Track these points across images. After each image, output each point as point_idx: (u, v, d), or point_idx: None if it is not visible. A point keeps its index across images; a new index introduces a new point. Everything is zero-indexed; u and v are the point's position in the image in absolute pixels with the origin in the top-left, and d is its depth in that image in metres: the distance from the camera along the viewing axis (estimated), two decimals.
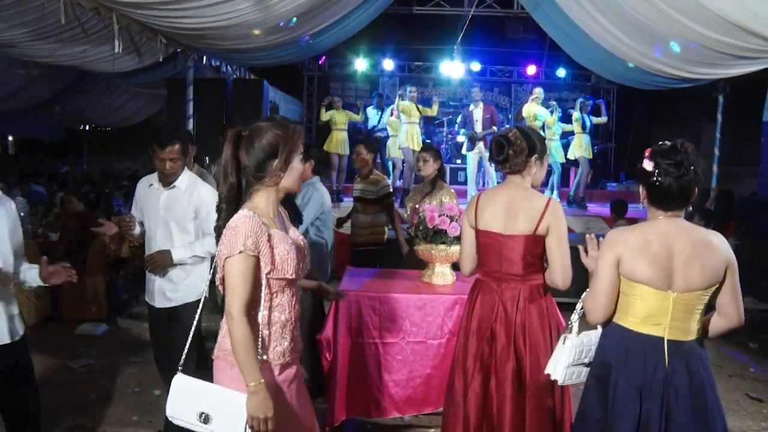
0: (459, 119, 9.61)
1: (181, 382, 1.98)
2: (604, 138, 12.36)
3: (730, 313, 2.03)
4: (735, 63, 5.75)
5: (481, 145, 8.59)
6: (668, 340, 1.98)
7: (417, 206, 4.19)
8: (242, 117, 7.86)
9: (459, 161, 11.11)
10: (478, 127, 8.61)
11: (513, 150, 2.51)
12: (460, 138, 11.21)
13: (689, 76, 6.81)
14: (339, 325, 3.09)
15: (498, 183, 8.70)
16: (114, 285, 5.80)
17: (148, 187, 3.17)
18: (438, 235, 3.34)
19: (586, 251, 2.26)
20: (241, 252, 1.83)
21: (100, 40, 5.88)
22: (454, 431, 2.59)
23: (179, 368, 2.03)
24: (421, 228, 3.42)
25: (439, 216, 3.34)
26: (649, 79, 7.63)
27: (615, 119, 12.85)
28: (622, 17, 5.97)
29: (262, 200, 1.96)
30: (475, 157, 8.75)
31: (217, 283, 1.95)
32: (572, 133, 9.14)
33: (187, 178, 3.09)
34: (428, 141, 10.35)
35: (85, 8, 4.87)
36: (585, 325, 2.18)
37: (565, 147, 9.25)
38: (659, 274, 1.97)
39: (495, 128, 8.63)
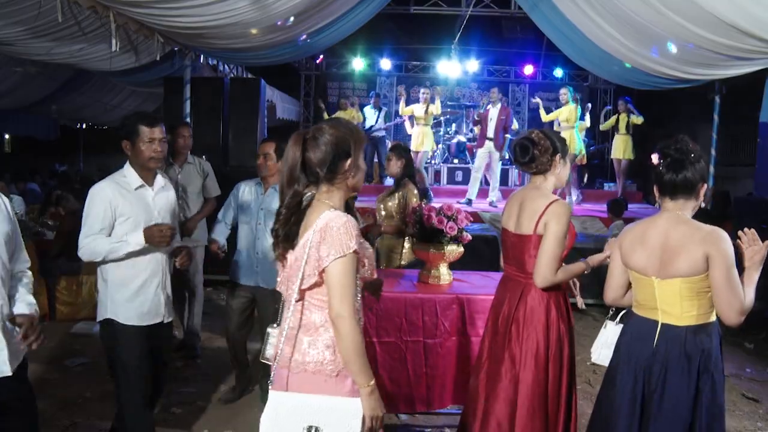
0: (476, 116, 9.57)
1: (280, 398, 1.85)
2: (600, 138, 12.39)
3: (718, 309, 2.11)
4: (731, 64, 5.77)
5: (491, 144, 8.57)
6: (662, 323, 2.17)
7: (381, 205, 4.24)
8: (239, 116, 7.87)
9: (456, 161, 11.13)
10: (491, 126, 8.57)
11: (538, 150, 2.59)
12: (461, 138, 11.26)
13: (686, 77, 6.84)
14: None
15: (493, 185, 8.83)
16: None
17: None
18: (435, 235, 3.34)
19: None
20: (353, 251, 1.78)
21: (97, 39, 5.87)
22: (471, 427, 2.69)
23: (269, 383, 1.89)
24: (418, 227, 3.42)
25: (437, 215, 3.35)
26: (646, 80, 7.65)
27: None
28: (618, 18, 5.99)
29: (338, 201, 1.90)
30: (483, 154, 8.73)
31: (300, 289, 1.85)
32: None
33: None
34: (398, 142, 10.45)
35: (82, 6, 4.85)
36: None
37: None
38: (648, 262, 2.17)
39: (506, 134, 8.61)
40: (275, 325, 1.98)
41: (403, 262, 4.24)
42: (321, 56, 12.99)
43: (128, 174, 2.79)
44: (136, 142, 2.73)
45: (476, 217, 7.24)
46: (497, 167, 8.80)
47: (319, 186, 1.89)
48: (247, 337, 3.94)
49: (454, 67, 11.85)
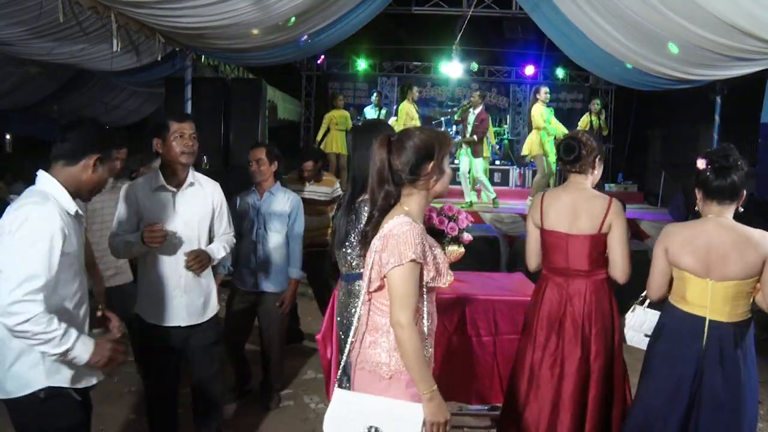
0: (456, 116, 9.53)
1: (343, 397, 1.91)
2: (600, 139, 12.38)
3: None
4: (732, 64, 5.76)
5: (469, 149, 8.48)
6: (709, 320, 2.33)
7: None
8: (241, 116, 7.88)
9: (457, 161, 11.11)
10: (468, 130, 8.47)
11: (585, 150, 2.68)
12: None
13: (687, 77, 6.83)
14: (336, 324, 3.09)
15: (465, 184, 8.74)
16: None
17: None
18: (435, 236, 3.34)
19: None
20: (412, 260, 1.79)
21: (98, 39, 5.87)
22: (518, 425, 2.75)
23: (337, 382, 1.99)
24: None
25: (437, 216, 3.34)
26: (647, 80, 7.64)
27: (612, 120, 12.87)
28: (620, 18, 5.98)
29: (415, 205, 1.92)
30: (463, 158, 8.66)
31: (368, 291, 1.91)
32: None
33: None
34: None
35: (83, 6, 4.86)
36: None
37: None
38: (699, 264, 2.33)
39: (474, 137, 8.53)
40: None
41: None
42: (322, 57, 12.99)
43: (157, 174, 2.78)
44: (166, 137, 2.70)
45: (477, 218, 7.24)
46: (480, 173, 8.56)
47: (401, 189, 1.91)
48: (245, 340, 3.96)
49: (455, 67, 11.84)
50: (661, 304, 2.58)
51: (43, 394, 1.99)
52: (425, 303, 1.90)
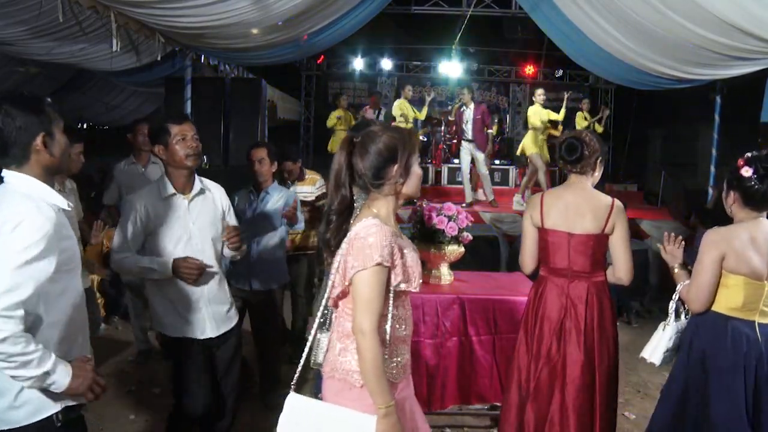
0: (451, 117, 9.53)
1: (296, 402, 1.81)
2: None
3: None
4: (732, 64, 5.76)
5: (471, 146, 8.47)
6: (759, 323, 2.30)
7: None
8: (240, 116, 7.88)
9: (457, 161, 11.11)
10: (469, 128, 8.44)
11: (588, 150, 2.64)
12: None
13: (687, 77, 6.83)
14: None
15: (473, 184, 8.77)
16: (110, 284, 5.78)
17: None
18: (435, 235, 3.34)
19: (665, 248, 2.61)
20: (378, 264, 1.71)
21: (98, 39, 5.86)
22: (513, 426, 2.72)
23: (293, 387, 1.87)
24: (418, 227, 3.42)
25: (437, 215, 3.35)
26: (647, 80, 7.64)
27: (613, 120, 12.87)
28: (619, 18, 5.98)
29: (383, 209, 1.84)
30: (465, 156, 8.64)
31: (331, 297, 1.84)
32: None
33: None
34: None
35: (83, 6, 4.85)
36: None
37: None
38: (761, 266, 2.27)
39: (488, 130, 8.57)
40: (326, 330, 1.97)
41: None
42: (322, 56, 12.99)
43: (163, 182, 2.62)
44: (168, 142, 2.56)
45: (477, 218, 7.24)
46: (484, 168, 8.58)
47: (368, 192, 1.85)
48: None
49: (454, 67, 11.84)
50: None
51: (59, 417, 1.77)
52: (391, 308, 1.81)
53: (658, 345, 2.55)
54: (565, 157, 2.69)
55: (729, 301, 2.33)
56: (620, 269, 2.64)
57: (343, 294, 1.81)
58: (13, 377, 1.65)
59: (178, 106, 7.49)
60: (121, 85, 10.58)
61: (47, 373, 1.66)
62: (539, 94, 8.40)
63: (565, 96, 9.22)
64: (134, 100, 11.77)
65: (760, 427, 2.27)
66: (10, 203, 1.68)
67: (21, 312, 1.61)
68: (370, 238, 1.73)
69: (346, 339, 1.83)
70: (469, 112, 8.46)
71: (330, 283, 1.84)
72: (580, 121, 9.63)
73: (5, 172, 1.74)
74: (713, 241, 2.33)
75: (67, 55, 6.51)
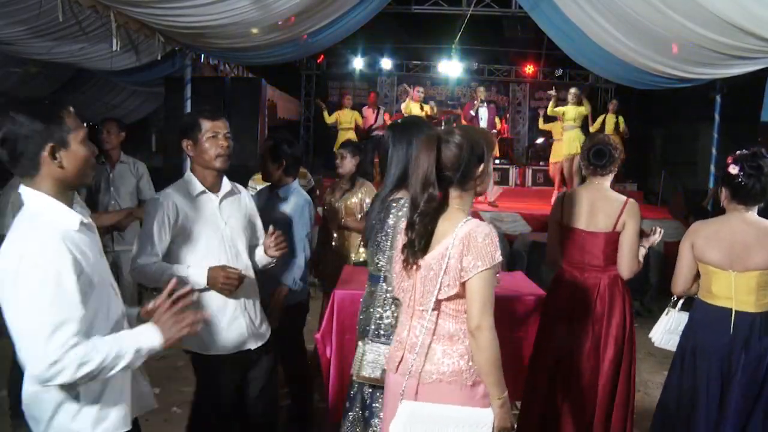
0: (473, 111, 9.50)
1: (411, 408, 1.79)
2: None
3: None
4: (732, 63, 5.76)
5: None
6: (735, 311, 2.46)
7: (336, 204, 4.15)
8: (240, 115, 7.87)
9: None
10: (484, 125, 8.44)
11: (617, 154, 2.86)
12: None
13: (687, 76, 6.83)
14: (335, 323, 3.09)
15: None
16: None
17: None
18: None
19: (648, 237, 2.90)
20: (499, 262, 1.77)
21: (98, 38, 5.87)
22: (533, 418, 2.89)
23: (401, 395, 1.85)
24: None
25: None
26: (647, 79, 7.64)
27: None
28: (619, 17, 5.98)
29: (467, 206, 1.87)
30: None
31: (443, 297, 1.79)
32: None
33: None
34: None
35: (82, 6, 4.85)
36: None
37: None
38: (723, 257, 2.47)
39: (494, 129, 8.58)
40: (369, 341, 1.96)
41: (353, 258, 4.16)
42: (322, 56, 12.99)
43: (190, 179, 2.43)
44: (198, 138, 2.37)
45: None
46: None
47: (449, 191, 1.85)
48: None
49: (454, 66, 11.84)
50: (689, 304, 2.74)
51: None
52: None
53: (659, 325, 2.85)
54: (595, 163, 2.88)
55: (704, 287, 2.59)
56: (620, 263, 2.83)
57: (457, 295, 1.79)
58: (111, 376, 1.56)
59: (178, 105, 7.49)
60: (121, 84, 10.58)
61: (138, 349, 1.56)
62: (573, 93, 8.43)
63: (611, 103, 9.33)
64: (134, 99, 11.77)
65: (725, 411, 2.45)
66: (13, 238, 1.53)
67: (78, 339, 1.48)
68: (488, 238, 1.77)
69: (448, 341, 1.83)
70: (484, 111, 8.48)
71: (437, 285, 1.78)
72: (610, 124, 9.37)
73: (21, 189, 1.60)
74: (688, 232, 2.64)
75: (67, 54, 6.51)
